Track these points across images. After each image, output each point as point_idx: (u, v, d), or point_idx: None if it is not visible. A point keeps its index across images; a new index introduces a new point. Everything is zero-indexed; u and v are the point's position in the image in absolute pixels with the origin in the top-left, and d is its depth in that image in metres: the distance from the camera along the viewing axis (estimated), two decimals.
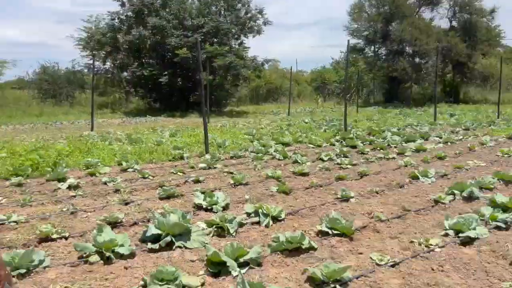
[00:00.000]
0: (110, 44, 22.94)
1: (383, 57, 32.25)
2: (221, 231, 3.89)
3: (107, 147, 9.12)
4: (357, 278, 2.81)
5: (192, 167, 7.23)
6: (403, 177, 6.23)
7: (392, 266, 3.02)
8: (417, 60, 30.47)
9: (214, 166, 7.24)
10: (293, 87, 26.74)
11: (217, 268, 3.01)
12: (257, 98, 33.60)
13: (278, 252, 3.34)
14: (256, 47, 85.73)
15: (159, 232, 3.56)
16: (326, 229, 3.75)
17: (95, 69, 19.05)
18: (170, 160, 8.05)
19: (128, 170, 6.99)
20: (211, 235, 3.82)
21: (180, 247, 3.50)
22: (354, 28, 31.99)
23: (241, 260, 3.06)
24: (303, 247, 3.36)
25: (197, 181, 6.16)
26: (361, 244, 3.52)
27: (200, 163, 7.42)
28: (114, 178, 6.24)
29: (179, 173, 6.76)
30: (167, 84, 20.94)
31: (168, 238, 3.48)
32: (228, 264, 2.97)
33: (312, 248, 3.39)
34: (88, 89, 27.65)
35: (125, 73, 25.80)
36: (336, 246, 3.47)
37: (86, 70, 26.52)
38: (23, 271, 2.88)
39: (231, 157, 8.33)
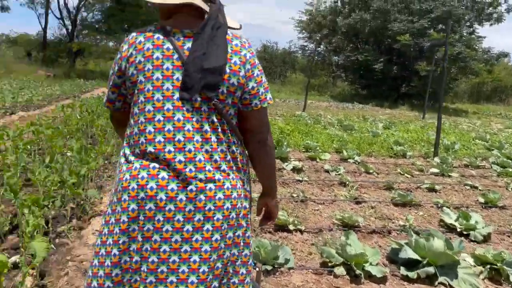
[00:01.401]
0: (328, 27, 22.99)
1: None
2: (494, 274, 2.89)
3: (324, 131, 8.82)
4: None
5: (421, 170, 6.22)
6: None
7: None
8: None
9: (449, 173, 6.05)
10: None
11: None
12: (477, 96, 28.95)
13: None
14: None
15: (417, 257, 2.80)
16: None
17: (308, 51, 19.38)
18: (391, 156, 7.19)
19: (349, 160, 6.45)
20: (482, 276, 2.86)
21: (443, 283, 2.68)
22: None
23: None
24: None
25: (431, 189, 5.17)
26: None
27: (430, 167, 6.33)
28: (336, 167, 5.78)
29: (406, 175, 5.85)
30: (380, 71, 19.75)
31: (431, 270, 2.69)
32: None
33: None
34: (298, 69, 28.74)
35: (336, 57, 25.67)
36: None
37: (300, 52, 27.50)
38: (269, 267, 2.55)
39: (466, 165, 6.91)
